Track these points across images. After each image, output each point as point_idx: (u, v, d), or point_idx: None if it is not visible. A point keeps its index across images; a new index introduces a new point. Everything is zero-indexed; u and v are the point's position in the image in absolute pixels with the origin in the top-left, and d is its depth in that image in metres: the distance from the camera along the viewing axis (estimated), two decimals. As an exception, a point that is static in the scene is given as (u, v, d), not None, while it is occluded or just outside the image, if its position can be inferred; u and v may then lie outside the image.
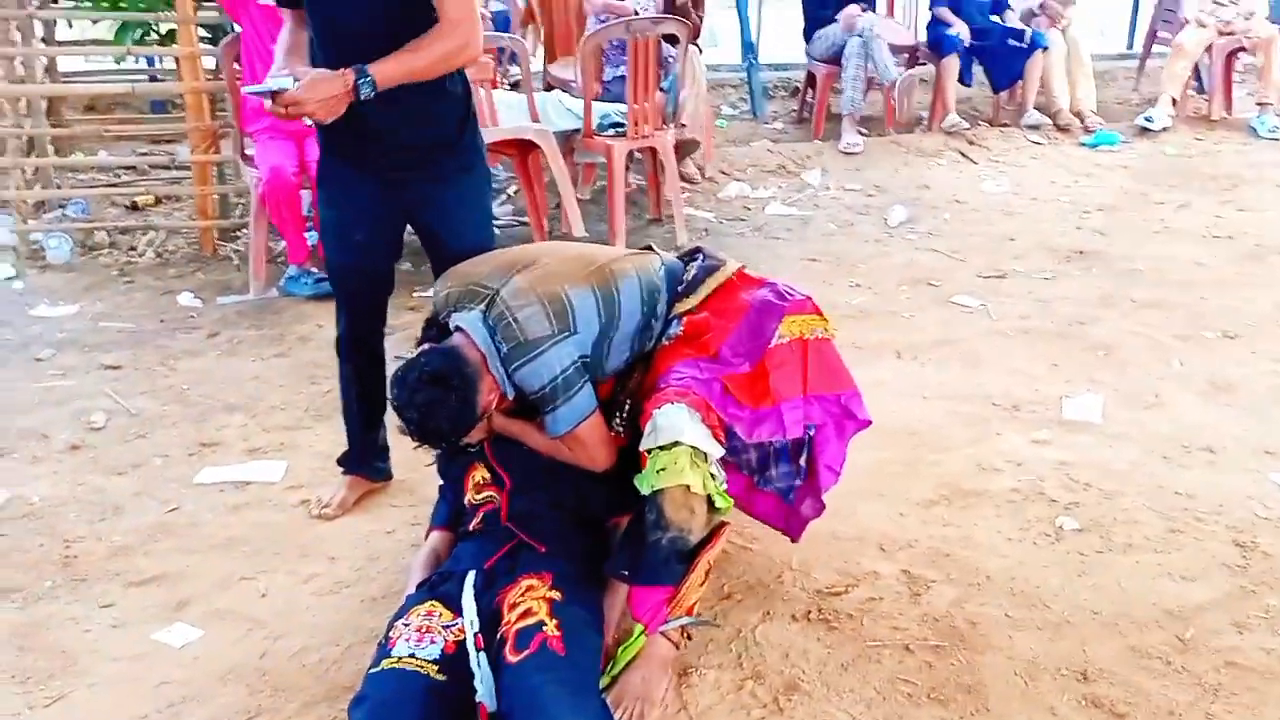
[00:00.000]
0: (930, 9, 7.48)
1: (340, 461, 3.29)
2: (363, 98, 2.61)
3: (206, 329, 4.52)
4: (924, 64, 7.65)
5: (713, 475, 2.57)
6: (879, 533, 3.04)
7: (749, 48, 7.85)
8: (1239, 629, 2.64)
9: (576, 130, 5.36)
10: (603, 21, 5.68)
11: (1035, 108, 7.46)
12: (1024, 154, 7.01)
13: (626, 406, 2.81)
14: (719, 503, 2.59)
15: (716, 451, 2.57)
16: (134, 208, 5.78)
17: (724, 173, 6.49)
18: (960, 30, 7.17)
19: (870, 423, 2.73)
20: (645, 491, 2.51)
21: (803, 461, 2.73)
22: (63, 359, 4.24)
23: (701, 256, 2.90)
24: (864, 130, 7.18)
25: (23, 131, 5.30)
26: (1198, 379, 3.96)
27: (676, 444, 2.50)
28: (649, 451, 2.53)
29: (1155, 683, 2.46)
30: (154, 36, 5.70)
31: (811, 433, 2.69)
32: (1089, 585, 2.81)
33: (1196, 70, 7.92)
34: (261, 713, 2.45)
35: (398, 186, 2.91)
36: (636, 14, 5.63)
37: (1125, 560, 2.91)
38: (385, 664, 2.30)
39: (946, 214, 5.92)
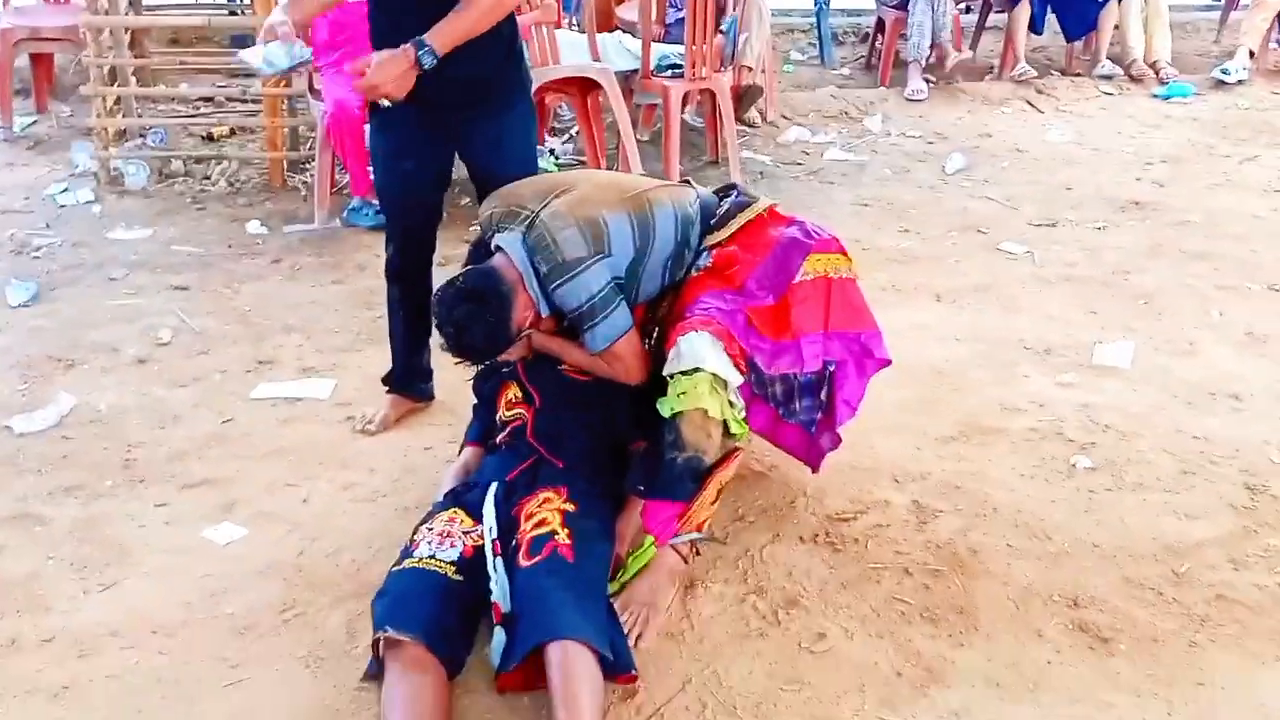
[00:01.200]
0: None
1: (385, 381, 3.46)
2: (426, 67, 2.78)
3: (271, 255, 4.71)
4: (1000, 11, 7.59)
5: (731, 403, 2.69)
6: (894, 465, 3.13)
7: (820, -8, 7.83)
8: (1235, 565, 2.70)
9: (636, 71, 5.45)
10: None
11: (1110, 58, 7.36)
12: (1093, 104, 6.93)
13: (655, 333, 2.94)
14: (734, 429, 2.70)
15: (736, 379, 2.68)
16: (209, 139, 5.99)
17: (786, 117, 6.53)
18: (1032, -24, 7.09)
19: (889, 362, 2.83)
20: (666, 414, 2.64)
21: (823, 396, 2.84)
22: (135, 279, 4.46)
23: (735, 192, 3.00)
24: (930, 78, 7.14)
25: (105, 62, 5.52)
26: (1235, 329, 3.96)
27: (698, 370, 2.61)
28: (671, 376, 2.66)
29: (1144, 611, 2.54)
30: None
31: (832, 369, 2.80)
32: (1093, 520, 2.88)
33: (1280, 23, 7.75)
34: (295, 604, 2.63)
35: (445, 117, 3.04)
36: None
37: (1133, 498, 2.98)
38: (407, 563, 2.47)
39: (1005, 162, 5.91)
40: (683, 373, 2.63)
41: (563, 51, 5.24)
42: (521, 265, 2.70)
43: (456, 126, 3.06)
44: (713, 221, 2.90)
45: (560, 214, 2.69)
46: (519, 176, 2.98)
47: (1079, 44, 7.60)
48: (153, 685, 2.38)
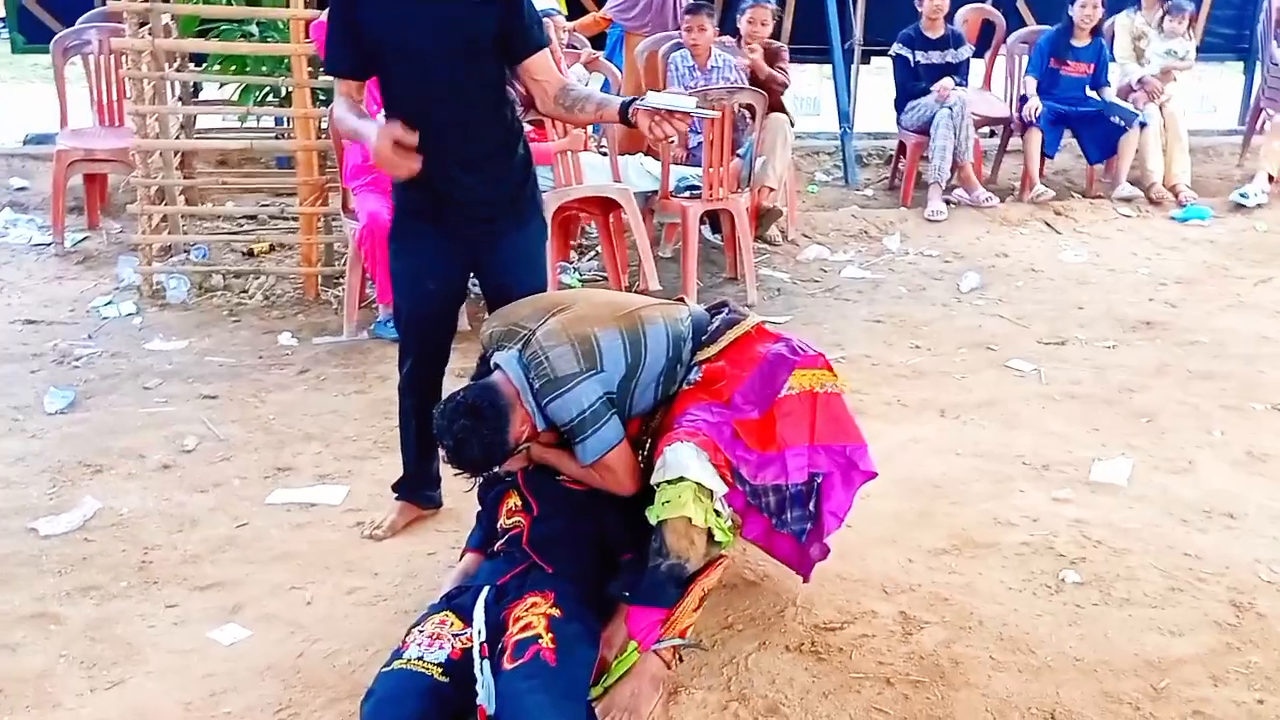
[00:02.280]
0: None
1: (394, 488, 3.58)
2: None
3: (299, 366, 4.88)
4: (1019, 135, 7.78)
5: (717, 511, 2.79)
6: (884, 576, 3.19)
7: (844, 116, 8.07)
8: (1215, 682, 2.72)
9: (656, 191, 5.66)
10: (686, 89, 5.97)
11: (1129, 181, 7.49)
12: (1110, 226, 7.04)
13: (647, 445, 3.05)
14: (719, 536, 2.80)
15: (720, 488, 2.79)
16: (249, 254, 6.24)
17: (806, 236, 6.69)
18: (1033, 106, 7.28)
19: (875, 474, 2.93)
20: (653, 521, 2.75)
21: (811, 507, 2.92)
22: (167, 388, 4.63)
23: (726, 310, 3.14)
24: (951, 199, 7.29)
25: (153, 182, 5.79)
26: (1235, 448, 4.00)
27: (682, 479, 2.73)
28: (658, 485, 2.77)
29: (1120, 726, 2.57)
30: (274, 99, 6.17)
31: (819, 481, 2.89)
32: (1077, 634, 2.92)
33: (1301, 147, 7.85)
34: (292, 705, 2.71)
35: (467, 239, 3.22)
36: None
37: (1118, 613, 3.01)
38: (396, 664, 2.56)
39: (1020, 282, 6.02)
40: (668, 481, 2.74)
41: (585, 173, 5.46)
42: (518, 382, 2.83)
43: (476, 243, 3.23)
44: (703, 338, 3.03)
45: (554, 332, 2.83)
46: (531, 291, 3.14)
47: (1100, 167, 7.74)
48: (148, 780, 2.47)
